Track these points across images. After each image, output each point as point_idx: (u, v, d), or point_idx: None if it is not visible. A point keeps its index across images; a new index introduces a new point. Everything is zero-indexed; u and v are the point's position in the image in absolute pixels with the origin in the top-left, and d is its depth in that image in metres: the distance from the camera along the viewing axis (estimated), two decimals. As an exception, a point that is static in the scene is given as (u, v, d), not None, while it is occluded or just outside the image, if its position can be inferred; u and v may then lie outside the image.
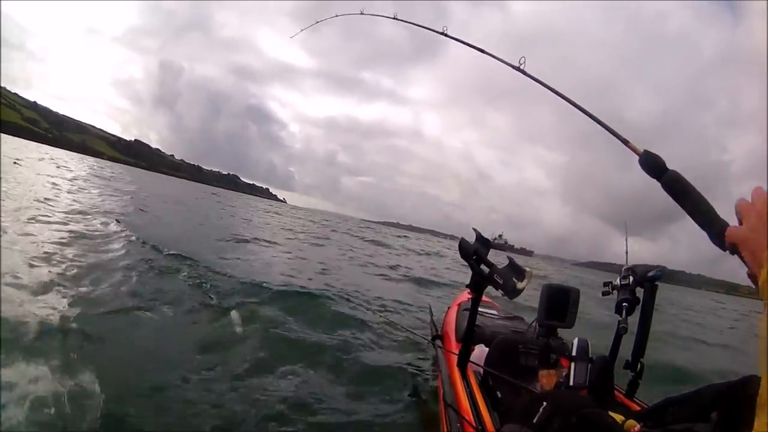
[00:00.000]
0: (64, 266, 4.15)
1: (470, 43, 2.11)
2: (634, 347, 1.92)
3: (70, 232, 6.01)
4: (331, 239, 15.87)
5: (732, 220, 0.72)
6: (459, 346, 2.28)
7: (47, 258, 4.28)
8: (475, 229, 1.98)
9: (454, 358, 2.20)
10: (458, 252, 1.98)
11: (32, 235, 5.20)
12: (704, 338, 8.34)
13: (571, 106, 1.48)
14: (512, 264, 1.84)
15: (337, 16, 3.18)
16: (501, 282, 1.79)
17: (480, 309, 2.25)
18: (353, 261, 10.36)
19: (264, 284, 4.98)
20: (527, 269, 1.79)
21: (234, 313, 3.76)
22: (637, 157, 1.07)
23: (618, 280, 1.98)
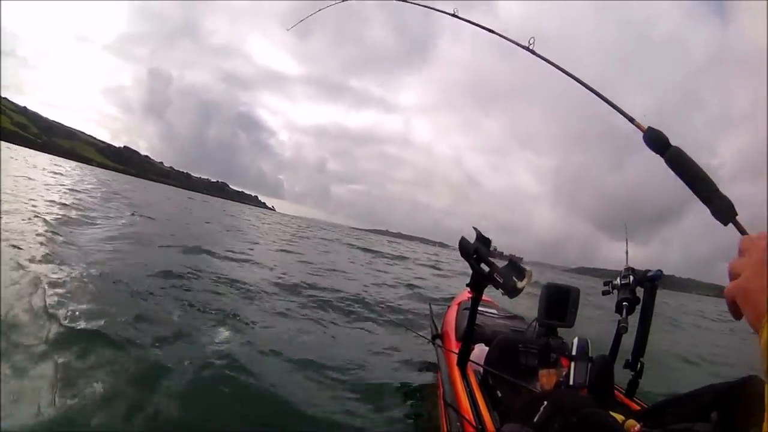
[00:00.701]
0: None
1: (481, 24, 2.10)
2: (634, 347, 1.92)
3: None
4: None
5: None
6: (459, 345, 2.28)
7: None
8: (475, 228, 1.97)
9: (454, 357, 2.20)
10: (458, 252, 1.98)
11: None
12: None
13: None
14: (512, 263, 1.84)
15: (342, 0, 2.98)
16: (501, 281, 1.78)
17: (480, 308, 2.25)
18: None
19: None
20: (527, 269, 1.79)
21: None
22: (642, 134, 1.09)
23: (618, 280, 1.98)
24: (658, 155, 1.03)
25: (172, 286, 4.37)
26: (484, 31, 2.09)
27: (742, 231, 0.85)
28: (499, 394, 1.93)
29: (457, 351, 2.23)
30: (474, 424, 1.62)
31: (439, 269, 15.37)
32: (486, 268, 1.90)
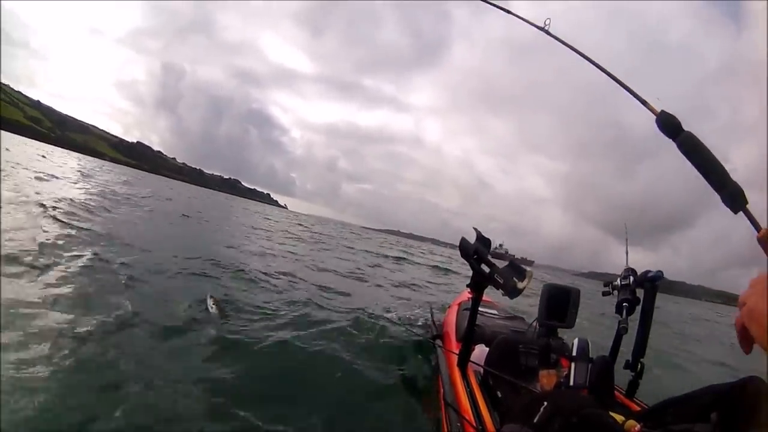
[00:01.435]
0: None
1: (498, 5, 2.07)
2: (634, 347, 1.93)
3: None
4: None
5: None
6: (459, 346, 2.28)
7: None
8: (475, 229, 1.98)
9: (455, 358, 2.20)
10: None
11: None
12: None
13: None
14: (513, 264, 1.84)
15: None
16: (501, 282, 1.79)
17: (480, 309, 2.25)
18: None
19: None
20: (527, 269, 1.79)
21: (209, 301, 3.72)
22: (654, 118, 1.08)
23: (618, 281, 1.98)
24: (671, 140, 1.01)
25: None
26: (501, 11, 2.02)
27: (751, 219, 0.84)
28: (500, 395, 1.93)
29: (457, 352, 2.24)
30: (474, 424, 1.62)
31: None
32: (486, 269, 1.90)
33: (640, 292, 1.92)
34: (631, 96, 1.27)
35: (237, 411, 2.23)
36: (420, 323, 4.76)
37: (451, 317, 3.16)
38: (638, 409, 1.80)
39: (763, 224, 0.82)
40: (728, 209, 0.91)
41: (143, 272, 4.55)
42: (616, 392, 1.92)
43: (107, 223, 7.57)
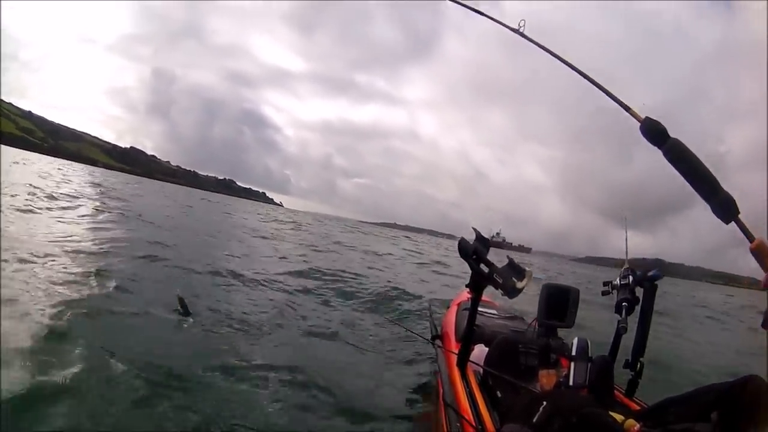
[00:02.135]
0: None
1: (469, 5, 1.99)
2: (633, 347, 1.92)
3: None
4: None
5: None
6: (459, 346, 2.27)
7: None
8: (474, 229, 1.97)
9: (454, 358, 2.19)
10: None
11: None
12: None
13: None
14: (512, 264, 1.83)
15: None
16: (500, 281, 1.78)
17: (480, 309, 2.25)
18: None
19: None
20: (527, 269, 1.79)
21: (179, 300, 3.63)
22: (638, 125, 1.02)
23: (618, 280, 1.98)
24: (656, 148, 0.96)
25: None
26: (471, 12, 1.92)
27: (744, 230, 0.81)
28: (499, 395, 1.92)
29: (456, 351, 2.23)
30: (474, 424, 1.62)
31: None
32: (485, 269, 1.89)
33: (640, 291, 1.92)
34: (615, 102, 1.20)
35: (239, 407, 2.22)
36: (419, 323, 4.76)
37: (451, 317, 3.15)
38: (638, 408, 1.79)
39: (755, 234, 0.79)
40: (723, 212, 0.86)
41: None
42: (615, 392, 1.91)
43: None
